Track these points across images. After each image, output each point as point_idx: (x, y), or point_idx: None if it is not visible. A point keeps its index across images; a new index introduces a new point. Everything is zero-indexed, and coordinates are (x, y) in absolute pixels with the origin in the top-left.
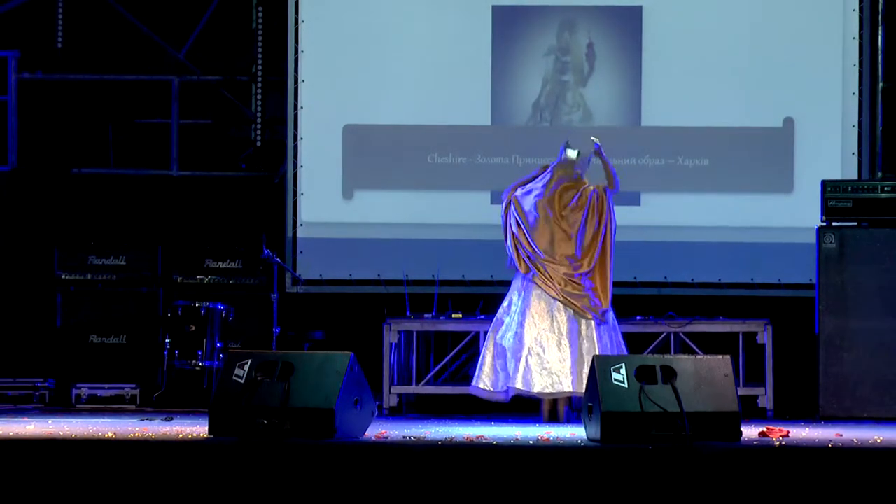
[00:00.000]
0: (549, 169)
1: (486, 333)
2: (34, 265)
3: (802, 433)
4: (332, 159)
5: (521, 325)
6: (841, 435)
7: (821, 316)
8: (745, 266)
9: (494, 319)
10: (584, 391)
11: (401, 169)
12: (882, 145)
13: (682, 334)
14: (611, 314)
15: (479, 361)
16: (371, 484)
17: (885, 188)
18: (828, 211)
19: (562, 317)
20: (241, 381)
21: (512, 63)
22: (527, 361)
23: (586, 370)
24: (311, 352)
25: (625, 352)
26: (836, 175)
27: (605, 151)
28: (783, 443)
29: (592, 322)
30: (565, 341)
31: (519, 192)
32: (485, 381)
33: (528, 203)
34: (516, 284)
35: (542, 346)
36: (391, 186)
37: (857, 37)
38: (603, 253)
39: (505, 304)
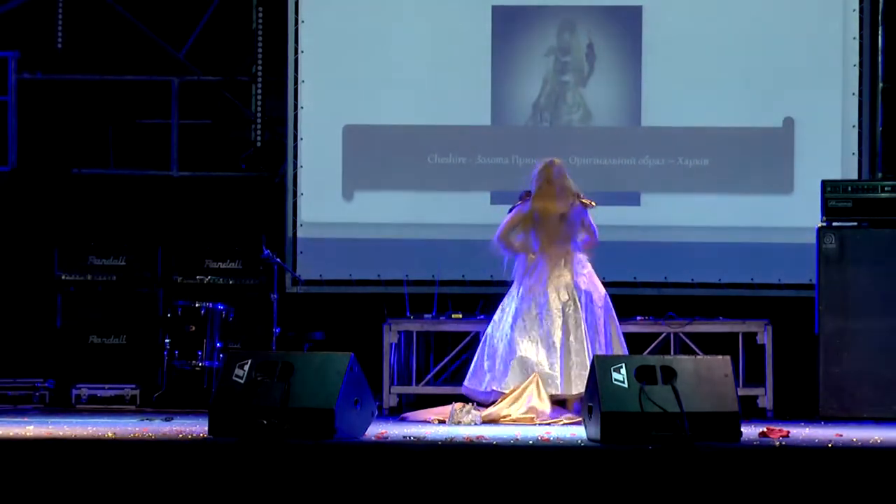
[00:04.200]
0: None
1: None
2: (34, 265)
3: (802, 433)
4: (332, 159)
5: (511, 328)
6: (841, 435)
7: (821, 316)
8: (745, 266)
9: (492, 320)
10: (572, 392)
11: (401, 169)
12: (882, 145)
13: (682, 334)
14: (609, 306)
15: (473, 362)
16: (371, 484)
17: (885, 188)
18: (828, 211)
19: (553, 323)
20: (241, 381)
21: (512, 63)
22: (516, 367)
23: (574, 373)
24: (310, 352)
25: (623, 346)
26: (836, 175)
27: (606, 151)
28: (783, 443)
29: (583, 326)
30: (554, 348)
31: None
32: (479, 381)
33: None
34: (514, 287)
35: (534, 353)
36: (391, 186)
37: (857, 37)
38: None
39: (501, 305)
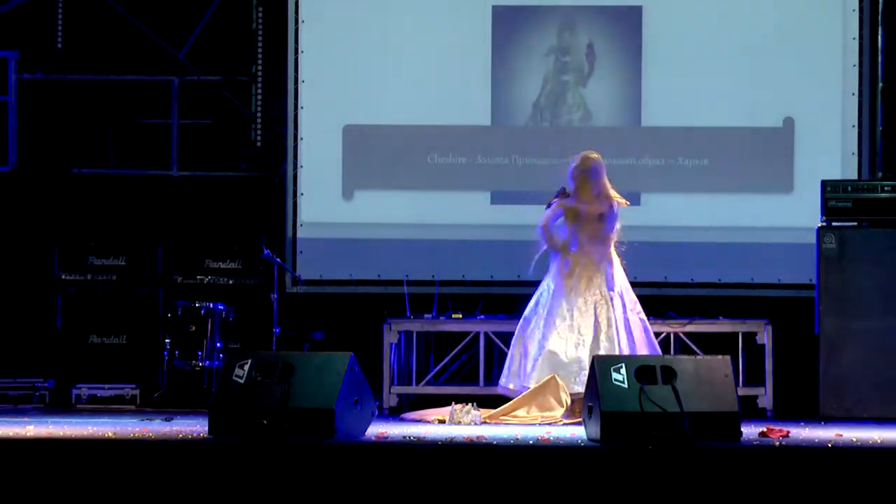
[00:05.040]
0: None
1: (485, 334)
2: (34, 265)
3: (802, 433)
4: (332, 159)
5: (546, 325)
6: (841, 435)
7: (821, 316)
8: (745, 266)
9: (522, 318)
10: None
11: (401, 169)
12: (882, 145)
13: (682, 334)
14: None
15: (508, 361)
16: (371, 484)
17: (885, 188)
18: (828, 211)
19: (584, 321)
20: (241, 381)
21: (512, 63)
22: (543, 363)
23: None
24: (310, 352)
25: (656, 349)
26: (836, 175)
27: (606, 151)
28: (783, 443)
29: (615, 326)
30: (584, 345)
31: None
32: (514, 380)
33: None
34: (545, 283)
35: (562, 349)
36: (391, 186)
37: (857, 37)
38: None
39: (532, 303)
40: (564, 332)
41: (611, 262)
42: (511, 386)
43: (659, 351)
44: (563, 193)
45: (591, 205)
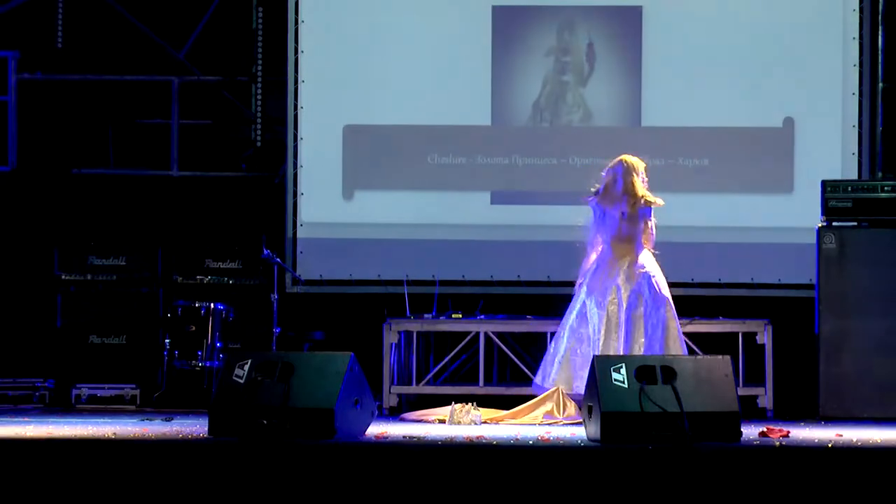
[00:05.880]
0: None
1: (485, 333)
2: (34, 265)
3: (802, 433)
4: (332, 159)
5: (563, 325)
6: (841, 435)
7: (821, 316)
8: (745, 266)
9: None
10: None
11: (401, 169)
12: (882, 145)
13: None
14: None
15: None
16: (371, 484)
17: (885, 188)
18: (828, 211)
19: (598, 322)
20: (241, 381)
21: (512, 63)
22: (565, 364)
23: None
24: (310, 352)
25: (682, 348)
26: (836, 175)
27: (606, 151)
28: (783, 443)
29: (624, 327)
30: (597, 346)
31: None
32: (542, 379)
33: None
34: (577, 291)
35: (579, 351)
36: (391, 186)
37: (857, 37)
38: None
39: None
40: (583, 335)
41: (632, 262)
42: (536, 381)
43: (686, 353)
44: (594, 193)
45: (615, 203)
